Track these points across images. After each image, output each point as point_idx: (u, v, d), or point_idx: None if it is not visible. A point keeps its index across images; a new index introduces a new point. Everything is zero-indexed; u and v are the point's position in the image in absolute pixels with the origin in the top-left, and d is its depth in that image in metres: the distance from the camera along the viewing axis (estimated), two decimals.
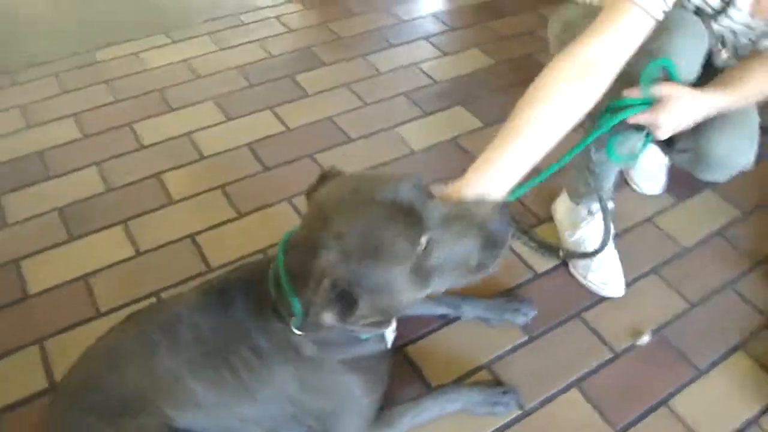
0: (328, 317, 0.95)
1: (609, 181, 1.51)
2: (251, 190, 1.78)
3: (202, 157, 1.88)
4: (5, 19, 2.51)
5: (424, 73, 2.25)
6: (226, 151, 1.90)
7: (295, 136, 1.97)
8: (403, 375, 1.39)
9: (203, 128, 1.98)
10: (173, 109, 2.06)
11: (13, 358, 1.41)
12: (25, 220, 1.70)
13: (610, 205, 1.58)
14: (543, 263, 1.61)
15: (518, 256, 1.62)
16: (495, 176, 1.09)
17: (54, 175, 1.83)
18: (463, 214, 1.00)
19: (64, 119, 2.02)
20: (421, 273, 0.97)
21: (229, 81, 2.18)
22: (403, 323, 1.37)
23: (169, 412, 1.10)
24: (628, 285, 1.55)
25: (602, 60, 1.12)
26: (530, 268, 1.59)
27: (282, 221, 1.68)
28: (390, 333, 1.23)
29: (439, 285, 1.01)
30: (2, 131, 1.98)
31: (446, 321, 1.48)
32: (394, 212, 0.96)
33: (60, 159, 1.88)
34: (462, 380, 1.38)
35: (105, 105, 2.08)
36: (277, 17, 2.55)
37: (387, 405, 1.27)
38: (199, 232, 1.66)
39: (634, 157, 1.39)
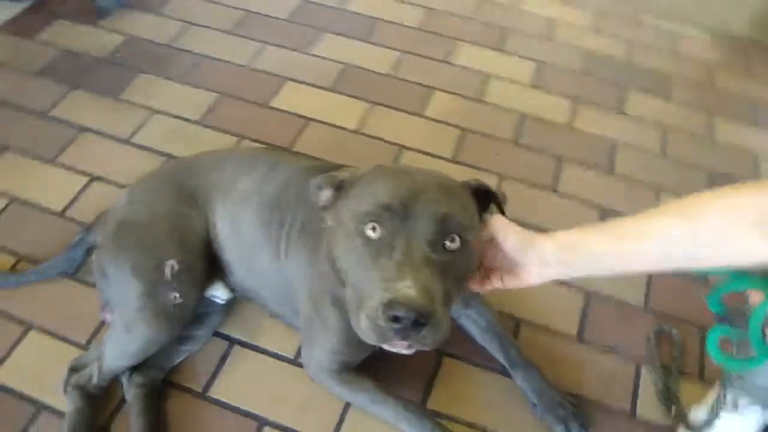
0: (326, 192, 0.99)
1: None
2: None
3: None
4: None
5: None
6: None
7: None
8: (417, 370, 1.28)
9: None
10: None
11: None
12: None
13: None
14: (649, 407, 1.27)
15: (633, 380, 1.30)
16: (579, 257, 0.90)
17: None
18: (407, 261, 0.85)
19: None
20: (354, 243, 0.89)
21: None
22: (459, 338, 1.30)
23: (218, 224, 1.25)
24: None
25: None
26: (632, 403, 1.27)
27: None
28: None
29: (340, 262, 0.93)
30: None
31: (498, 369, 1.29)
32: (401, 187, 0.90)
33: None
34: (450, 423, 1.21)
35: None
36: None
37: (361, 372, 1.20)
38: None
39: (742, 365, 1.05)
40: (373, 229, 0.87)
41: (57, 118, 1.72)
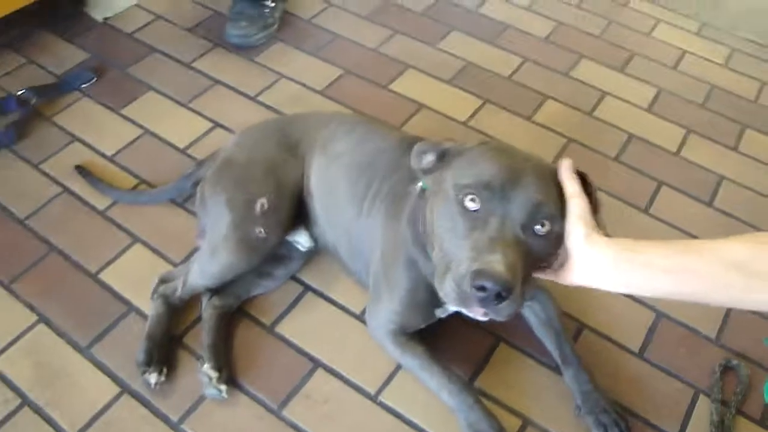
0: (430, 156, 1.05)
1: None
2: None
3: None
4: None
5: None
6: None
7: None
8: (473, 349, 1.32)
9: None
10: None
11: None
12: None
13: None
14: None
15: (687, 407, 1.26)
16: (630, 266, 0.88)
17: None
18: (500, 239, 0.89)
19: None
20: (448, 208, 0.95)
21: None
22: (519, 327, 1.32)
23: (312, 176, 1.35)
24: None
25: None
26: (681, 429, 1.23)
27: None
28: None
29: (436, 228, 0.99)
30: None
31: (551, 365, 1.29)
32: (505, 169, 0.94)
33: None
34: (492, 404, 1.24)
35: None
36: None
37: (416, 338, 1.24)
38: None
39: None
40: (473, 200, 0.93)
41: (197, 69, 1.89)
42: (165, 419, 1.20)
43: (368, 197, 1.28)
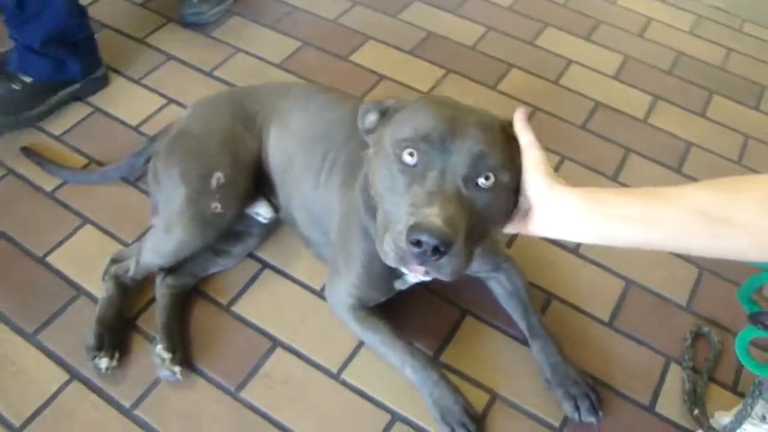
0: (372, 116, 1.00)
1: None
2: None
3: None
4: None
5: None
6: None
7: None
8: (438, 323, 1.27)
9: None
10: None
11: None
12: None
13: None
14: (670, 404, 1.19)
15: (659, 376, 1.23)
16: (595, 217, 0.83)
17: None
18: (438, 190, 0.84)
19: None
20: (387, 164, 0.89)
21: None
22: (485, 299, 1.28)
23: (271, 148, 1.29)
24: None
25: None
26: (653, 397, 1.20)
27: None
28: (411, 276, 1.15)
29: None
30: None
31: (518, 337, 1.25)
32: (444, 119, 0.88)
33: None
34: (458, 379, 1.19)
35: None
36: None
37: (377, 312, 1.19)
38: None
39: None
40: (411, 155, 0.86)
41: (150, 44, 1.80)
42: (117, 406, 1.13)
43: (325, 168, 1.23)
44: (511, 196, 0.89)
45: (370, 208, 1.08)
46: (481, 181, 0.86)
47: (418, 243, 0.80)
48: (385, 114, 0.98)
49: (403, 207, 0.84)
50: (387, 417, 1.15)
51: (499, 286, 1.28)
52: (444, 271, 0.85)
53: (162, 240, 1.23)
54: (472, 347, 1.25)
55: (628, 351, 1.27)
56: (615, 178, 1.56)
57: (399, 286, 1.18)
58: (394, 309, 1.23)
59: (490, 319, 1.28)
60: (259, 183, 1.32)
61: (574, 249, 1.41)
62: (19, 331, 1.22)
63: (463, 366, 1.22)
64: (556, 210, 0.85)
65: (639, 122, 1.71)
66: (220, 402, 1.15)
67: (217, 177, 1.22)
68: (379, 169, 0.91)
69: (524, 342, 1.24)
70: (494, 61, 1.84)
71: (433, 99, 0.97)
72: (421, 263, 0.83)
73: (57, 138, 1.54)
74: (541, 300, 1.32)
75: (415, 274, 0.90)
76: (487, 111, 0.94)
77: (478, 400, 1.17)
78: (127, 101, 1.64)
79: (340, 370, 1.20)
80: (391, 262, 0.86)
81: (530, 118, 1.59)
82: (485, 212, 0.88)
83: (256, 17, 1.92)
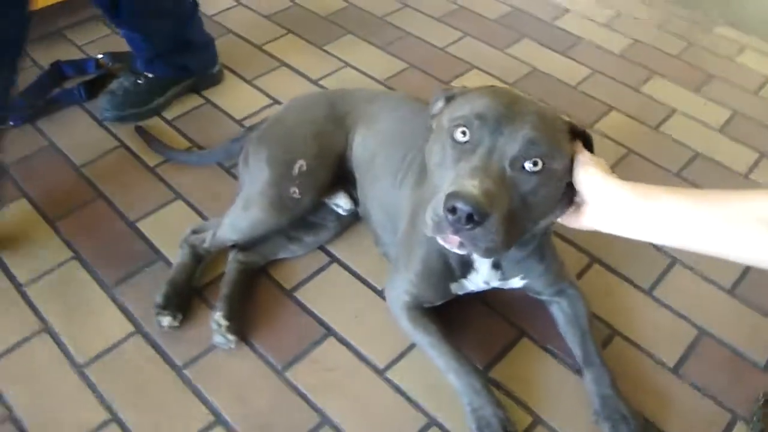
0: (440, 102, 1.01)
1: None
2: None
3: None
4: None
5: None
6: None
7: None
8: (493, 340, 1.23)
9: None
10: None
11: None
12: None
13: None
14: None
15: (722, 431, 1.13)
16: (646, 212, 0.83)
17: None
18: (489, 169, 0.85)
19: None
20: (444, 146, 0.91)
21: None
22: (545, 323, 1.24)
23: (356, 147, 1.33)
24: None
25: None
26: None
27: None
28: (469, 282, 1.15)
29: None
30: None
31: (573, 366, 1.19)
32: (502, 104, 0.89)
33: None
34: (504, 396, 1.15)
35: None
36: None
37: (431, 315, 1.18)
38: None
39: None
40: (463, 133, 0.89)
41: (267, 51, 1.92)
42: (170, 363, 1.18)
43: (402, 169, 1.24)
44: (560, 186, 0.89)
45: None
46: (529, 165, 0.87)
47: (453, 210, 0.82)
48: (450, 100, 1.00)
49: (449, 180, 0.86)
50: (424, 420, 1.12)
51: (560, 311, 1.24)
52: (479, 244, 0.86)
53: (239, 216, 1.28)
54: (523, 368, 1.21)
55: (691, 400, 1.18)
56: None
57: (456, 290, 1.17)
58: (451, 319, 1.21)
59: (546, 345, 1.24)
60: (341, 177, 1.35)
61: (648, 290, 1.34)
62: (100, 281, 1.30)
63: (510, 384, 1.18)
64: (609, 201, 0.86)
65: (739, 177, 1.62)
66: (265, 377, 1.17)
67: (300, 165, 1.27)
68: (433, 146, 0.94)
69: (578, 372, 1.18)
70: (594, 101, 1.81)
71: (498, 88, 0.98)
72: (456, 232, 0.85)
73: (168, 122, 1.66)
74: (604, 334, 1.26)
75: (450, 245, 0.91)
76: (552, 107, 0.96)
77: (521, 421, 1.12)
78: (236, 97, 1.75)
79: (387, 368, 1.19)
80: (429, 231, 0.88)
81: (624, 160, 1.60)
82: (530, 197, 0.89)
83: (369, 37, 2.00)
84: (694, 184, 1.59)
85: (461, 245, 0.87)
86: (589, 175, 0.89)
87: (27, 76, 1.70)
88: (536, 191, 0.88)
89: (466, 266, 1.14)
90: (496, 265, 1.14)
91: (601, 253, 1.41)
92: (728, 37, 2.13)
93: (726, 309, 1.33)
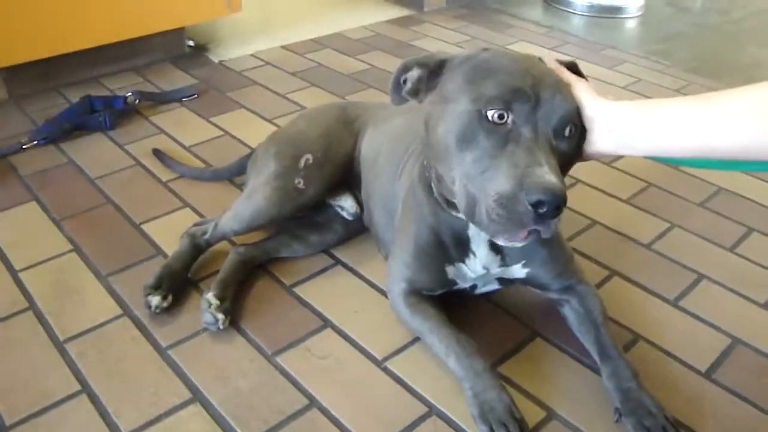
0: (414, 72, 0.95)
1: None
2: None
3: None
4: None
5: None
6: None
7: None
8: (505, 338, 1.12)
9: None
10: None
11: None
12: None
13: None
14: None
15: None
16: (650, 122, 0.82)
17: None
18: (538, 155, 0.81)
19: None
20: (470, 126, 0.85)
21: None
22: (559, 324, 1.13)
23: (363, 147, 1.31)
24: None
25: None
26: None
27: None
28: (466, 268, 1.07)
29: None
30: None
31: (590, 365, 1.06)
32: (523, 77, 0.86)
33: None
34: (515, 391, 1.02)
35: None
36: None
37: (430, 301, 1.09)
38: None
39: None
40: (501, 114, 0.83)
41: (289, 98, 1.94)
42: (154, 344, 1.08)
43: (403, 159, 1.19)
44: (584, 138, 0.89)
45: (424, 178, 1.04)
46: (567, 131, 0.85)
47: (539, 204, 0.77)
48: (440, 69, 0.94)
49: (503, 169, 0.81)
50: (423, 409, 0.99)
51: (571, 310, 1.11)
52: (551, 227, 0.82)
53: (242, 206, 1.23)
54: (535, 364, 1.08)
55: (726, 405, 1.02)
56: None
57: (453, 275, 1.08)
58: (460, 320, 1.09)
59: (561, 344, 1.11)
60: (348, 180, 1.31)
61: (674, 301, 1.22)
62: (94, 271, 1.25)
63: (521, 380, 1.04)
64: (611, 122, 0.84)
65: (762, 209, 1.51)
66: (253, 361, 1.06)
67: (306, 158, 1.24)
68: (454, 133, 0.87)
69: (597, 371, 1.04)
70: None
71: (499, 50, 0.94)
72: (538, 222, 0.80)
73: (186, 148, 1.67)
74: (626, 339, 1.13)
75: (513, 242, 0.85)
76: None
77: (533, 415, 0.98)
78: (254, 130, 1.74)
79: (385, 359, 1.07)
80: (492, 230, 0.84)
81: (644, 192, 1.52)
82: (568, 159, 0.87)
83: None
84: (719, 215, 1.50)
85: (527, 236, 0.83)
86: (591, 100, 0.86)
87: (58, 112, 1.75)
88: (573, 152, 0.87)
89: (461, 248, 1.05)
90: (494, 248, 1.05)
91: (620, 266, 1.30)
92: None
93: (760, 321, 1.19)
